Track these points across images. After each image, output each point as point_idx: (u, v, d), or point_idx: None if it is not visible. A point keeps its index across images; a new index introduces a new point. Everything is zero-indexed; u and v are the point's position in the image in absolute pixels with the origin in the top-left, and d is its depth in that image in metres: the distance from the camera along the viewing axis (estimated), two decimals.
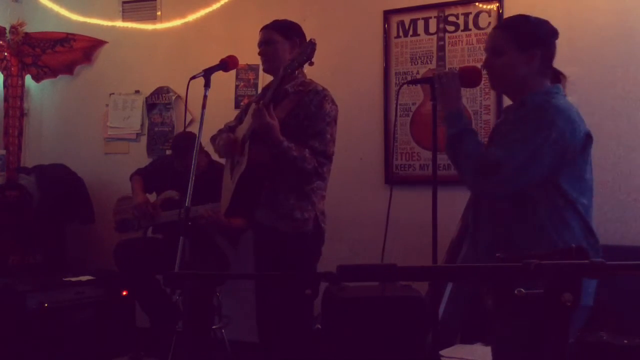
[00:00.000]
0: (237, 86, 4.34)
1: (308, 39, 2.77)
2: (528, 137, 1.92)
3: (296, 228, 2.83)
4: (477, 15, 3.72)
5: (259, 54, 2.98)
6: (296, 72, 2.78)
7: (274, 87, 2.80)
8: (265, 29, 2.99)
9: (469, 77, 2.31)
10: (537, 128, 1.92)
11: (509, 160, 1.91)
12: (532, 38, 2.05)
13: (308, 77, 2.96)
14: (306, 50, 2.63)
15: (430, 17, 3.83)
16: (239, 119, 3.17)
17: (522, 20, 2.11)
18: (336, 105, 2.90)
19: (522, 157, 1.90)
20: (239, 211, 3.13)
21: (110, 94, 4.78)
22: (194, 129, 4.12)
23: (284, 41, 2.93)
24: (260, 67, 4.10)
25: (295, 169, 2.76)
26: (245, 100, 4.23)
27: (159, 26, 4.63)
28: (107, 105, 4.80)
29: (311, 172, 2.79)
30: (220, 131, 3.18)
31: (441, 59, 3.80)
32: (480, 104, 3.71)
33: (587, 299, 1.94)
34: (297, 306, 2.84)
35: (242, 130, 2.99)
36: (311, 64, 2.63)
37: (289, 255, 2.84)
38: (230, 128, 3.17)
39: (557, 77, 2.11)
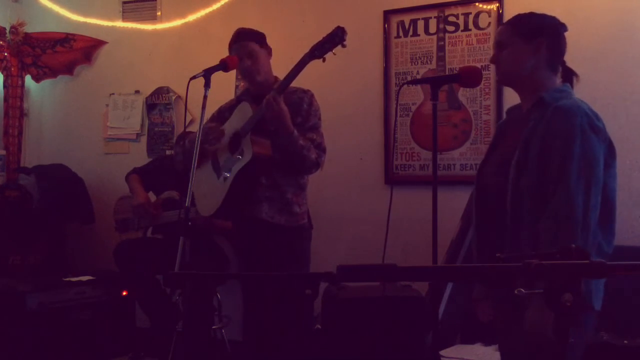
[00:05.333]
0: (237, 86, 4.33)
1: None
2: (576, 160, 1.82)
3: (294, 222, 2.93)
4: (477, 15, 3.72)
5: (242, 68, 2.97)
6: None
7: (292, 75, 2.78)
8: (250, 41, 2.99)
9: (469, 77, 2.31)
10: (579, 142, 1.84)
11: (577, 207, 1.79)
12: (536, 28, 2.04)
13: (301, 80, 2.95)
14: (337, 33, 2.67)
15: (430, 17, 3.83)
16: (220, 120, 3.12)
17: (526, 15, 2.11)
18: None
19: (584, 190, 1.81)
20: (229, 211, 3.05)
21: (110, 94, 4.78)
22: (194, 129, 4.12)
23: (265, 51, 3.02)
24: None
25: (300, 160, 2.83)
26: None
27: (159, 26, 4.63)
28: (107, 105, 4.80)
29: (314, 162, 2.87)
30: (188, 133, 3.16)
31: (441, 59, 3.80)
32: (480, 104, 3.71)
33: (598, 302, 1.91)
34: (292, 305, 2.87)
35: (230, 129, 2.98)
36: (344, 46, 2.69)
37: (287, 249, 2.91)
38: (221, 112, 3.17)
39: (569, 75, 2.08)
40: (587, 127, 1.86)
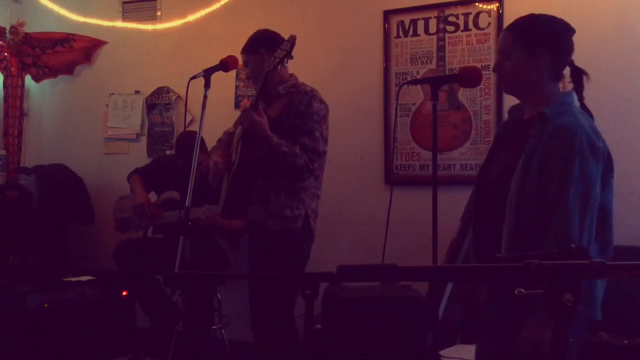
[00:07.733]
0: (237, 86, 4.33)
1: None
2: (574, 181, 1.86)
3: (285, 226, 2.89)
4: (477, 15, 3.72)
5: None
6: (278, 70, 2.85)
7: (259, 88, 2.88)
8: (241, 53, 3.07)
9: (469, 77, 2.31)
10: (577, 164, 1.86)
11: (573, 229, 1.84)
12: (537, 39, 2.00)
13: (300, 80, 3.05)
14: (285, 47, 2.75)
15: (430, 17, 3.83)
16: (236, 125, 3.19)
17: (528, 21, 2.06)
18: (325, 105, 2.97)
19: (582, 213, 1.85)
20: (236, 212, 3.14)
21: (110, 94, 4.78)
22: (194, 129, 4.12)
23: (254, 57, 2.99)
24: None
25: (287, 166, 2.83)
26: (245, 101, 4.24)
27: (159, 26, 4.63)
28: (107, 105, 4.80)
29: (302, 168, 2.84)
30: (219, 141, 3.22)
31: (441, 59, 3.80)
32: (480, 104, 3.71)
33: (596, 311, 1.91)
34: (290, 306, 2.90)
35: (237, 134, 3.03)
36: (290, 57, 2.77)
37: (277, 253, 2.89)
38: (229, 135, 3.20)
39: (579, 75, 2.07)
40: (587, 147, 1.88)
